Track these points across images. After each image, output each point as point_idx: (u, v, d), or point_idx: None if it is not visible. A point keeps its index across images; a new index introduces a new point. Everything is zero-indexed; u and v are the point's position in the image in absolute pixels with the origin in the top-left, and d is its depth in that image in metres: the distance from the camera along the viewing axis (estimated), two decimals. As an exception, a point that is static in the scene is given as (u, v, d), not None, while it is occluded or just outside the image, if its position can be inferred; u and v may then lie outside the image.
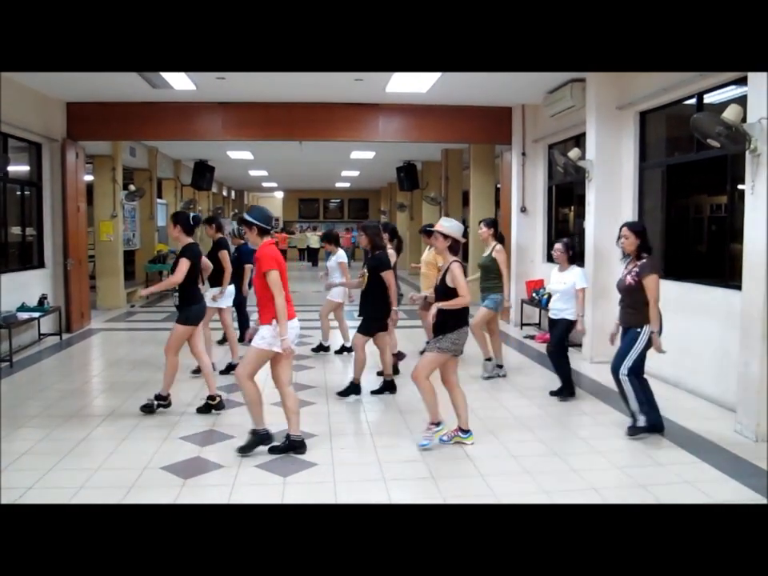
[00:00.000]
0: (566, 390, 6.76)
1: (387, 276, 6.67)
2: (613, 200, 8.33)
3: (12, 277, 9.26)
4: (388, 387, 6.86)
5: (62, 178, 10.41)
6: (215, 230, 7.96)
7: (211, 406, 6.18)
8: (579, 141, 9.35)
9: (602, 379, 7.48)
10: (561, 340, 6.73)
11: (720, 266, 6.81)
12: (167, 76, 8.73)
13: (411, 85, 9.54)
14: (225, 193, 28.98)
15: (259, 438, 5.15)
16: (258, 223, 5.12)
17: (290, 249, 29.94)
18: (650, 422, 5.47)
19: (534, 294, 10.38)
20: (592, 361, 8.35)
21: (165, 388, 6.18)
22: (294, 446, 5.15)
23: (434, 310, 5.17)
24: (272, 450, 5.12)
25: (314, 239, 28.50)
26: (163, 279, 11.88)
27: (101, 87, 9.63)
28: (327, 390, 6.89)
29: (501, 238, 7.87)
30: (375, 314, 6.75)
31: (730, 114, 5.59)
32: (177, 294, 6.25)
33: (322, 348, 9.07)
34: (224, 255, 7.79)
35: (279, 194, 35.69)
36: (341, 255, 8.89)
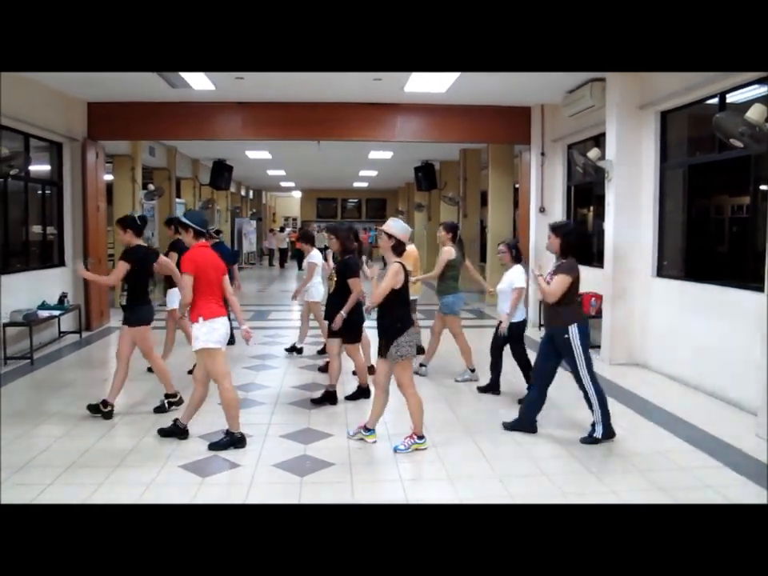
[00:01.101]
0: (492, 386, 6.98)
1: (353, 283, 6.43)
2: (633, 201, 8.26)
3: (33, 275, 9.35)
4: (328, 398, 6.56)
5: (82, 178, 10.50)
6: (174, 231, 7.56)
7: (172, 403, 6.23)
8: (599, 141, 9.28)
9: (621, 382, 7.43)
10: (500, 339, 6.77)
11: (742, 268, 6.74)
12: (186, 76, 8.78)
13: (430, 84, 9.52)
14: (243, 192, 29.11)
15: (234, 440, 5.28)
16: (195, 226, 5.30)
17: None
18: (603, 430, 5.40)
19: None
20: (610, 363, 8.28)
21: (168, 387, 6.25)
22: (176, 431, 5.46)
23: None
24: (211, 446, 5.25)
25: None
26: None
27: (121, 87, 9.70)
28: (344, 390, 6.88)
29: (461, 242, 7.65)
30: (349, 318, 6.42)
31: (754, 113, 5.52)
32: (125, 293, 6.34)
33: (294, 349, 8.93)
34: (169, 258, 7.15)
35: (297, 194, 35.80)
36: (312, 255, 8.61)
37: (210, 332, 5.11)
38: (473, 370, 7.54)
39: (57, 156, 10.26)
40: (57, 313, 9.19)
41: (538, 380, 5.68)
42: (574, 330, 5.31)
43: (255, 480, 4.63)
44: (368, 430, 5.43)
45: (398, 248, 5.21)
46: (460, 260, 7.51)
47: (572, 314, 5.39)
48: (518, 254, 6.83)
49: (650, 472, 4.80)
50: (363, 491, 4.45)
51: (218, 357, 5.21)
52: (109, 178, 13.01)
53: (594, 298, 8.94)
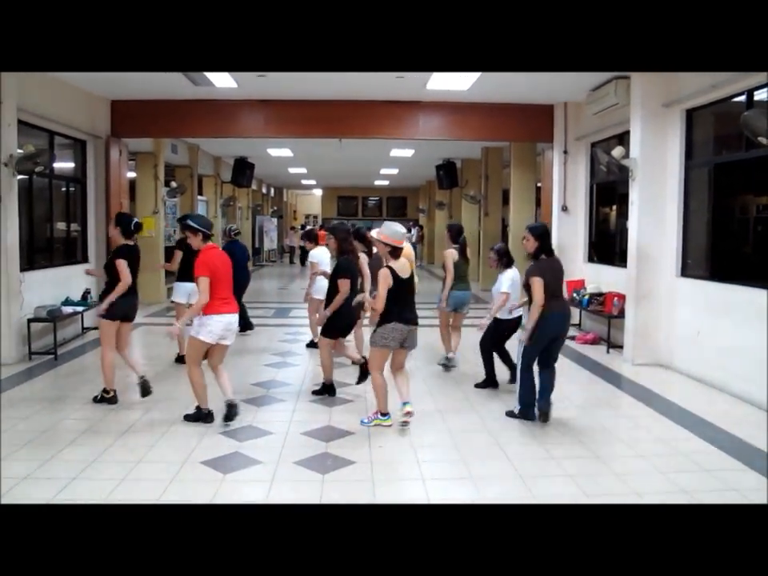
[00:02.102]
0: (489, 381, 7.13)
1: (340, 283, 6.51)
2: (657, 199, 8.18)
3: (57, 271, 9.44)
4: (327, 390, 6.79)
5: (105, 175, 10.59)
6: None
7: (105, 398, 6.35)
8: (623, 139, 9.20)
9: (643, 382, 7.36)
10: (493, 335, 7.00)
11: (767, 268, 6.64)
12: (209, 74, 8.83)
13: (452, 82, 9.49)
14: (264, 190, 29.21)
15: (201, 415, 5.76)
16: (203, 229, 5.66)
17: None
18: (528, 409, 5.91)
19: (574, 294, 10.23)
20: (634, 363, 8.21)
21: (107, 383, 6.36)
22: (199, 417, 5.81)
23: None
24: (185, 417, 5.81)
25: (351, 237, 28.52)
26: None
27: (144, 85, 9.77)
28: (367, 388, 6.87)
29: (462, 242, 7.88)
30: (335, 317, 6.54)
31: (783, 111, 5.44)
32: (105, 286, 6.42)
33: (313, 344, 8.97)
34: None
35: (318, 192, 35.90)
36: (313, 254, 8.64)
37: (202, 325, 5.52)
38: (449, 358, 7.96)
39: (81, 153, 10.36)
40: (80, 309, 9.27)
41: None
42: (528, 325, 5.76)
43: (277, 477, 4.63)
44: (383, 414, 5.78)
45: (395, 252, 5.60)
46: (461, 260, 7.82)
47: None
48: (508, 259, 7.01)
49: (673, 474, 4.75)
50: (384, 490, 4.45)
51: (199, 349, 5.63)
52: (132, 175, 13.12)
53: (616, 298, 8.87)
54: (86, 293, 9.66)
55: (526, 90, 10.13)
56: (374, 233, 5.72)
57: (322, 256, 8.59)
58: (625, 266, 8.62)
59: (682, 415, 6.17)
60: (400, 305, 5.60)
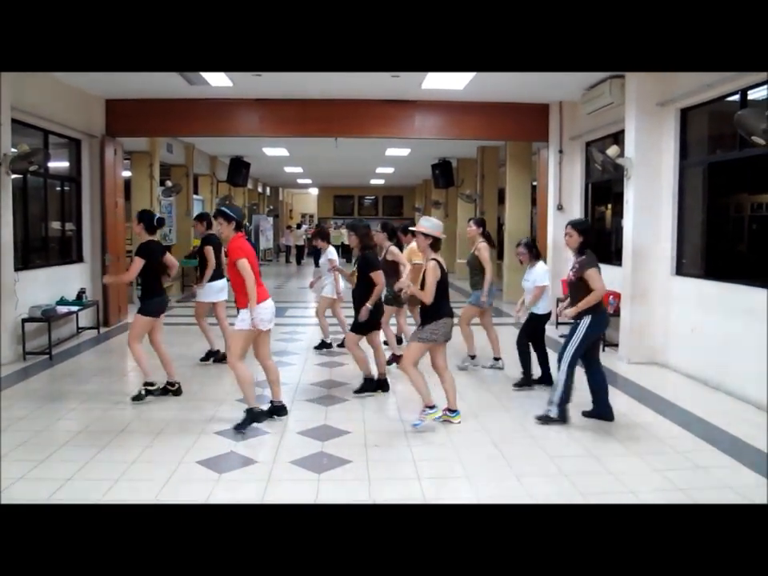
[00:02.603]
0: (525, 380, 7.07)
1: (376, 276, 6.59)
2: (652, 198, 8.19)
3: (52, 271, 9.42)
4: (381, 386, 6.84)
5: (100, 174, 10.57)
6: (205, 226, 8.08)
7: (169, 390, 6.57)
8: (618, 138, 9.21)
9: (640, 380, 7.39)
10: (535, 333, 7.09)
11: (762, 266, 6.66)
12: (205, 73, 8.81)
13: (447, 82, 9.50)
14: (260, 189, 29.19)
15: (254, 415, 5.58)
16: (238, 218, 5.69)
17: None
18: (597, 411, 5.88)
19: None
20: (629, 361, 8.23)
21: (146, 374, 6.44)
22: (275, 410, 5.85)
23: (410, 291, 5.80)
24: (236, 427, 5.53)
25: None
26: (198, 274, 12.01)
27: (139, 84, 9.75)
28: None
29: (488, 236, 7.94)
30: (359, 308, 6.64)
31: (777, 110, 5.45)
32: (139, 287, 6.64)
33: (324, 345, 9.04)
34: (208, 251, 7.89)
35: (314, 191, 35.87)
36: (331, 252, 8.75)
37: (257, 315, 5.44)
38: (497, 359, 7.91)
39: (75, 153, 10.33)
40: (75, 308, 9.25)
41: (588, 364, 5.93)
42: (587, 320, 5.63)
43: (272, 476, 4.63)
44: (452, 411, 5.79)
45: (436, 245, 5.67)
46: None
47: (594, 306, 5.64)
48: (537, 251, 7.19)
49: (669, 471, 4.76)
50: (380, 489, 4.45)
51: (248, 339, 5.58)
52: (127, 174, 13.07)
53: (612, 297, 8.88)
54: (81, 292, 9.65)
55: (521, 90, 10.15)
56: (418, 227, 5.71)
57: (335, 255, 8.81)
58: (620, 265, 8.63)
59: (677, 413, 6.19)
60: (447, 298, 5.69)
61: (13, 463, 4.75)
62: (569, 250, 5.98)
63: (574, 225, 5.82)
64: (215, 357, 8.11)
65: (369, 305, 6.51)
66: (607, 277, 9.34)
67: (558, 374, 5.74)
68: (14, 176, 8.07)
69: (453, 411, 5.79)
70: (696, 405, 6.41)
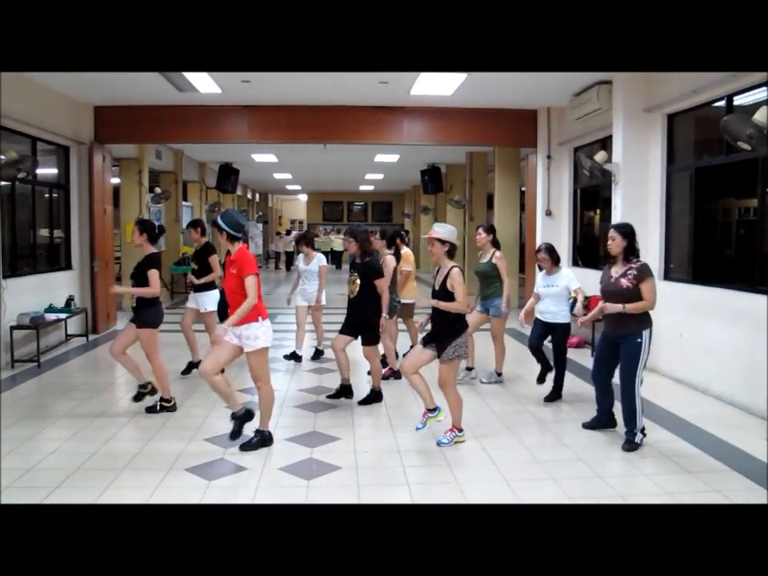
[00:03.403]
0: (557, 393, 6.84)
1: (380, 283, 6.46)
2: (639, 203, 8.24)
3: (40, 278, 9.38)
4: (375, 398, 6.67)
5: (89, 181, 10.53)
6: (200, 233, 7.78)
7: (165, 407, 6.30)
8: (606, 144, 9.27)
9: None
10: (563, 344, 6.80)
11: (749, 271, 6.71)
12: (193, 79, 8.81)
13: (436, 87, 9.53)
14: (249, 195, 29.14)
15: (264, 438, 5.36)
16: (228, 230, 5.16)
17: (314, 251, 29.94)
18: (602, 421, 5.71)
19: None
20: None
21: (164, 391, 6.31)
22: (264, 441, 5.35)
23: (418, 305, 5.57)
24: (242, 447, 5.27)
25: (337, 242, 28.53)
26: (187, 281, 11.97)
27: (128, 91, 9.73)
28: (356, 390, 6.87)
29: (497, 244, 7.60)
30: (377, 320, 6.49)
31: (761, 115, 5.52)
32: (134, 297, 6.35)
33: (319, 353, 8.88)
34: (214, 260, 7.61)
35: (303, 197, 35.87)
36: (321, 258, 8.71)
37: (267, 331, 5.20)
38: (499, 374, 7.59)
39: (64, 159, 10.30)
40: (64, 316, 9.21)
41: (600, 382, 5.69)
42: (646, 336, 5.26)
43: (261, 483, 4.62)
44: (460, 430, 5.48)
45: (452, 251, 5.38)
46: None
47: (648, 319, 5.31)
48: (557, 255, 6.90)
49: (658, 476, 4.78)
50: (370, 495, 4.44)
51: (267, 356, 5.32)
52: (116, 181, 13.04)
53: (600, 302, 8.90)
54: (70, 299, 9.60)
55: (509, 95, 10.19)
56: (435, 234, 5.33)
57: (324, 261, 8.75)
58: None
59: (665, 417, 6.21)
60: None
61: None
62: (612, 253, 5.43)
63: (618, 228, 5.41)
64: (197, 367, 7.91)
65: (386, 314, 6.49)
66: (596, 281, 9.43)
67: (632, 402, 5.31)
68: (1, 183, 8.04)
69: (460, 430, 5.48)
70: (683, 409, 6.43)
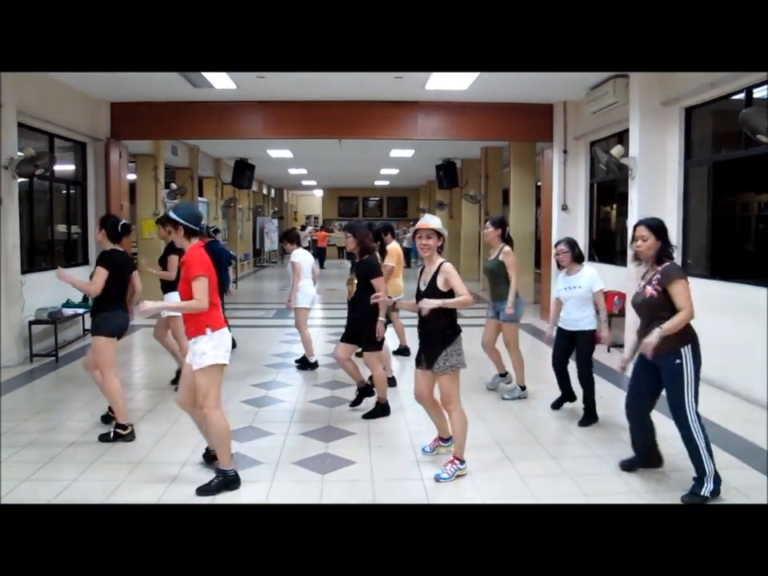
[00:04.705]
0: (591, 415, 5.92)
1: (377, 283, 5.94)
2: (657, 198, 8.17)
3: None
4: (382, 411, 6.12)
5: (105, 177, 10.60)
6: (168, 231, 5.84)
7: (120, 435, 5.35)
8: (622, 138, 9.19)
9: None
10: (589, 356, 5.94)
11: (768, 266, 6.64)
12: (208, 75, 8.84)
13: (451, 82, 9.49)
14: (265, 191, 29.23)
15: (227, 479, 4.43)
16: (186, 223, 4.44)
17: (329, 247, 30.06)
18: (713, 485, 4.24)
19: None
20: (634, 362, 8.18)
21: (119, 416, 5.40)
22: (226, 483, 4.41)
23: (428, 306, 4.51)
24: (200, 491, 4.34)
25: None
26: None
27: (144, 88, 9.78)
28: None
29: (509, 239, 6.78)
30: (375, 324, 5.91)
31: (781, 108, 5.43)
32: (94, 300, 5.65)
33: (307, 364, 8.01)
34: (172, 259, 6.70)
35: (318, 192, 35.89)
36: (295, 254, 7.96)
37: (219, 345, 4.36)
38: (523, 388, 6.76)
39: (81, 156, 10.38)
40: (81, 311, 9.28)
41: (640, 412, 4.71)
42: (687, 353, 4.32)
43: (276, 477, 4.64)
44: (461, 462, 4.70)
45: (442, 246, 4.72)
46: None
47: (685, 332, 4.34)
48: (580, 251, 6.04)
49: (674, 473, 4.74)
50: (384, 490, 4.44)
51: (220, 375, 4.43)
52: (132, 177, 13.13)
53: (617, 297, 8.86)
54: (87, 294, 9.66)
55: (524, 90, 10.13)
56: (433, 225, 4.62)
57: (305, 258, 8.06)
58: (625, 265, 8.61)
59: (682, 414, 6.15)
60: (455, 311, 4.72)
61: (17, 465, 4.77)
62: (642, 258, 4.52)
63: (649, 224, 4.42)
64: None
65: (382, 318, 5.90)
66: (613, 277, 9.40)
67: (693, 438, 4.32)
68: (20, 179, 8.11)
69: (462, 462, 4.71)
70: (701, 405, 6.34)
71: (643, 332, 4.38)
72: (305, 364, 8.01)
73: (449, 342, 4.56)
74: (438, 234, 4.62)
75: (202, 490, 4.32)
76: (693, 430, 4.28)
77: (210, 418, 4.36)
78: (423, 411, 5.67)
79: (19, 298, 8.02)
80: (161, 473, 4.68)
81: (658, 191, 8.17)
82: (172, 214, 4.50)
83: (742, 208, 8.67)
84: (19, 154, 7.94)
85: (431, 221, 4.68)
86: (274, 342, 9.72)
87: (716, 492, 4.20)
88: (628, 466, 4.77)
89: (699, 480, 4.25)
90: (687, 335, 4.31)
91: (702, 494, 4.19)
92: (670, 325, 4.15)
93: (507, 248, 6.62)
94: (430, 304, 4.50)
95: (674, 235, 7.97)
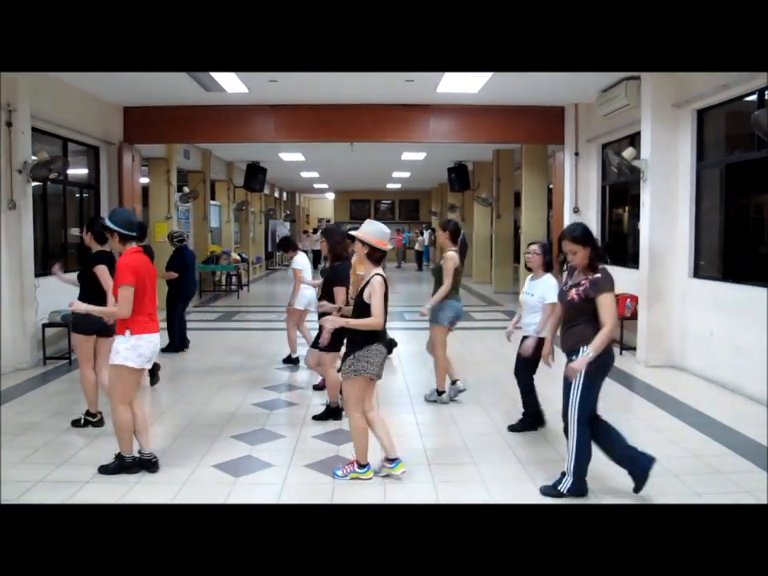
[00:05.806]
0: (530, 420, 5.77)
1: (338, 292, 5.84)
2: (669, 200, 8.15)
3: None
4: (333, 413, 6.05)
5: (118, 181, 10.68)
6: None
7: (89, 422, 5.76)
8: (634, 140, 9.16)
9: (658, 384, 7.33)
10: (531, 363, 5.66)
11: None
12: (220, 79, 8.89)
13: (462, 85, 9.50)
14: (277, 194, 29.31)
15: (125, 464, 4.73)
16: (119, 230, 4.59)
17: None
18: (638, 473, 4.33)
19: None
20: (647, 365, 8.17)
21: (90, 404, 5.79)
22: (143, 463, 4.75)
23: (330, 325, 4.60)
24: (100, 470, 4.70)
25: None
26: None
27: (156, 92, 9.85)
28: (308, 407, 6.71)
29: (464, 245, 6.79)
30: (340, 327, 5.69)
31: (794, 110, 5.40)
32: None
33: (290, 360, 8.43)
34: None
35: (330, 195, 35.96)
36: (296, 261, 8.13)
37: (134, 349, 4.54)
38: (440, 393, 6.64)
39: (94, 160, 10.46)
40: (94, 314, 9.32)
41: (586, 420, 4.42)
42: (584, 355, 4.15)
43: (288, 480, 4.65)
44: (391, 461, 4.66)
45: (373, 255, 4.53)
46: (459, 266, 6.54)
47: (586, 332, 4.23)
48: (550, 258, 5.77)
49: (687, 476, 4.72)
50: (395, 492, 4.44)
51: (131, 378, 4.64)
52: (144, 180, 13.19)
53: (629, 300, 8.83)
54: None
55: (536, 92, 10.12)
56: (357, 232, 4.60)
57: (305, 263, 8.21)
58: (637, 268, 8.58)
59: (695, 417, 6.13)
60: (384, 323, 4.54)
61: (32, 466, 4.82)
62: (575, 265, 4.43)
63: (573, 237, 4.30)
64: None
65: (330, 327, 4.91)
66: (625, 279, 9.37)
67: (570, 438, 4.36)
68: (34, 183, 8.18)
69: (392, 461, 4.65)
70: (713, 408, 6.34)
71: (563, 329, 4.45)
72: (289, 359, 8.47)
73: (359, 346, 4.47)
74: (363, 242, 4.51)
75: (103, 469, 4.71)
76: (572, 429, 4.32)
77: (115, 413, 4.67)
78: (437, 413, 5.68)
79: (33, 301, 8.08)
80: (174, 474, 4.70)
81: (670, 193, 8.14)
82: (107, 221, 4.67)
83: (755, 210, 8.61)
84: (33, 158, 8.02)
85: (364, 227, 4.59)
86: (286, 345, 9.70)
87: (577, 492, 4.34)
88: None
89: (562, 475, 4.41)
90: (591, 339, 4.15)
91: (558, 488, 4.37)
92: (597, 344, 4.10)
93: (450, 252, 6.47)
94: (333, 323, 4.59)
95: (686, 237, 7.96)
